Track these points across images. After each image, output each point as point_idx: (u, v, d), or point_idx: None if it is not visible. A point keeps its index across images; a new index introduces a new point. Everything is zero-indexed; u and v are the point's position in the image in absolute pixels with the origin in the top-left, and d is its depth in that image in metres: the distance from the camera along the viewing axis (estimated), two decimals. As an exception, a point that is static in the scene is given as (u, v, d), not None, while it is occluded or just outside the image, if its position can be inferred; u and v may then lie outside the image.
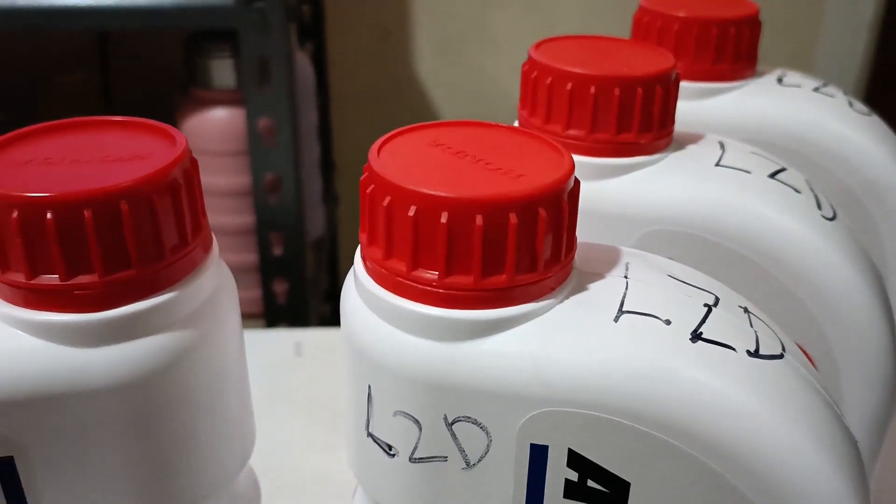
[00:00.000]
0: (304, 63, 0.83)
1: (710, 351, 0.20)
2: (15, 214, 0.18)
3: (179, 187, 0.20)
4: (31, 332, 0.19)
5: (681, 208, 0.28)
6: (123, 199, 0.19)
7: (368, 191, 0.20)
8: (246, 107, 0.70)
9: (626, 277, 0.21)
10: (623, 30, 0.37)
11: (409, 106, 1.22)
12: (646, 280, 0.21)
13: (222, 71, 0.71)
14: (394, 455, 0.21)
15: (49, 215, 0.18)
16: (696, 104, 0.35)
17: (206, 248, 0.22)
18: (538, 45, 0.29)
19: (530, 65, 0.28)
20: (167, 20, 0.63)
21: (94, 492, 0.21)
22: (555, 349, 0.19)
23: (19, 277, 0.19)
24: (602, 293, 0.21)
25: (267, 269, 0.81)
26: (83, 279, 0.19)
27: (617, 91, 0.27)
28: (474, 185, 0.19)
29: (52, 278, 0.19)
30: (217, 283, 0.22)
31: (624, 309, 0.20)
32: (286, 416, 0.46)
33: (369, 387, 0.21)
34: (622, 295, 0.21)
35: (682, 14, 0.34)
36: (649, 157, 0.28)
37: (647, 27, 0.35)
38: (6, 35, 1.02)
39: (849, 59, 1.17)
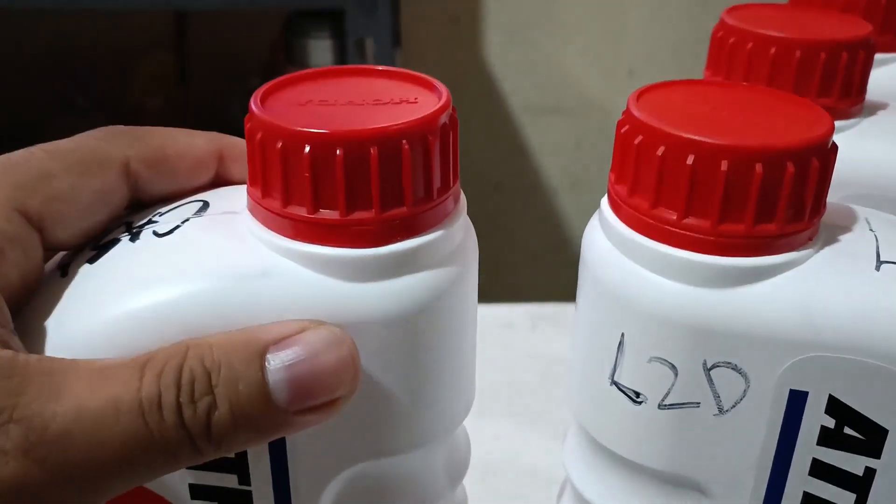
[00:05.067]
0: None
1: (971, 301, 0.20)
2: (307, 150, 0.19)
3: (449, 131, 0.21)
4: (308, 265, 0.20)
5: (880, 172, 0.28)
6: (405, 138, 0.19)
7: (637, 141, 0.20)
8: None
9: (871, 231, 0.22)
10: (695, 12, 0.37)
11: (476, 91, 1.23)
12: (892, 233, 0.22)
13: (320, 51, 0.72)
14: (641, 402, 0.22)
15: (339, 151, 0.19)
16: (862, 75, 0.35)
17: (458, 197, 0.22)
18: (729, 11, 0.30)
19: (726, 30, 0.28)
20: (278, 0, 0.63)
21: (345, 421, 0.21)
22: (822, 296, 0.20)
23: (301, 211, 0.20)
24: (855, 244, 0.21)
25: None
26: (361, 215, 0.20)
27: (823, 55, 0.27)
28: (749, 135, 0.20)
29: (333, 213, 0.20)
30: (466, 230, 0.22)
31: (882, 259, 0.21)
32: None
33: (622, 334, 0.22)
34: (875, 246, 0.21)
35: (849, -15, 0.34)
36: (846, 122, 0.28)
37: (810, -2, 0.35)
38: (89, 17, 1.04)
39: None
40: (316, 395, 0.19)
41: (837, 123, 0.28)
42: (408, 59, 1.16)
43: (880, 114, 0.29)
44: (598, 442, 0.24)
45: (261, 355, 0.18)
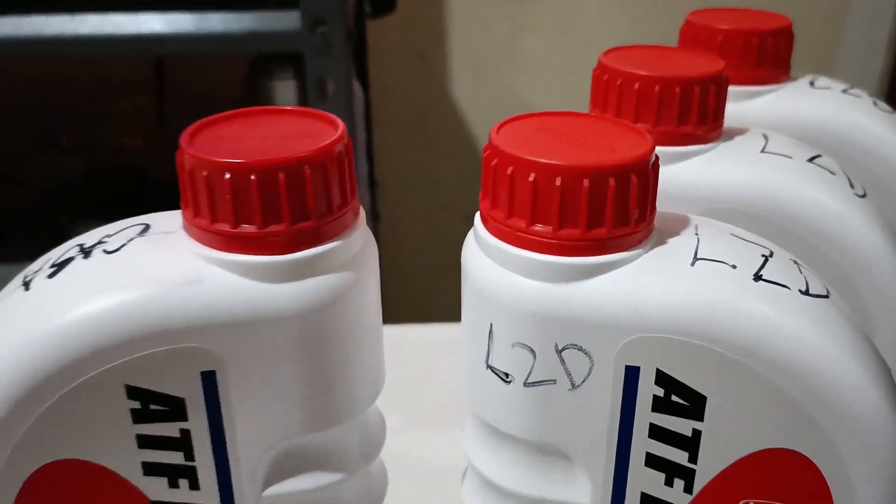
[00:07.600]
0: (355, 85, 0.89)
1: (769, 288, 0.25)
2: (227, 177, 0.24)
3: (343, 158, 0.26)
4: (233, 271, 0.25)
5: (732, 189, 0.32)
6: (307, 164, 0.24)
7: (493, 164, 0.25)
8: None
9: (696, 235, 0.26)
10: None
11: (444, 126, 1.28)
12: (713, 237, 0.26)
13: (284, 92, 0.77)
14: (510, 382, 0.26)
15: (253, 177, 0.24)
16: (739, 105, 0.40)
17: (357, 211, 0.27)
18: (607, 53, 0.34)
19: (601, 69, 0.33)
20: (238, 45, 0.68)
21: (269, 403, 0.26)
22: (645, 287, 0.24)
23: (226, 227, 0.25)
24: (678, 246, 0.26)
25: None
26: (274, 228, 0.25)
27: (678, 89, 0.32)
28: (579, 157, 0.24)
29: (251, 227, 0.24)
30: (365, 240, 0.27)
31: (698, 256, 0.25)
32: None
33: (491, 325, 0.26)
34: (695, 247, 0.26)
35: (726, 27, 0.39)
36: (704, 146, 0.33)
37: (693, 38, 0.40)
38: (70, 61, 1.09)
39: (867, 76, 1.21)
40: None
41: (696, 147, 0.33)
42: (376, 96, 1.21)
43: (737, 139, 0.34)
44: (485, 421, 0.28)
45: None
